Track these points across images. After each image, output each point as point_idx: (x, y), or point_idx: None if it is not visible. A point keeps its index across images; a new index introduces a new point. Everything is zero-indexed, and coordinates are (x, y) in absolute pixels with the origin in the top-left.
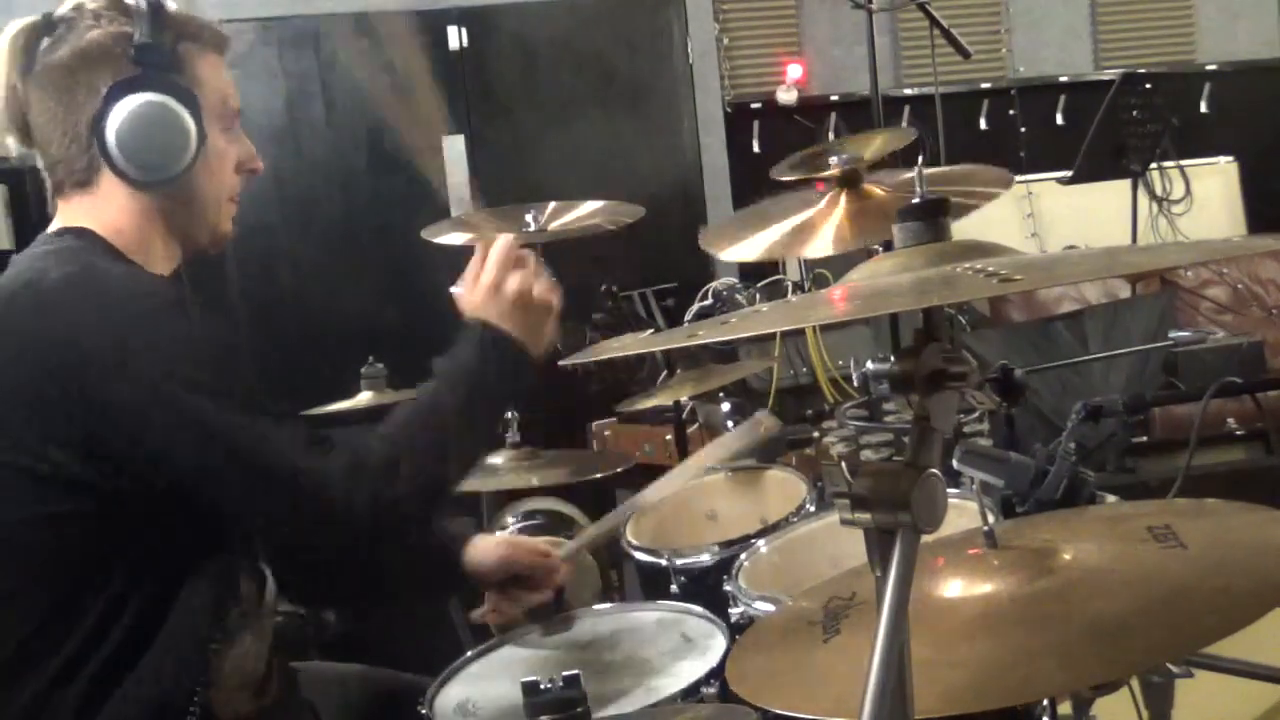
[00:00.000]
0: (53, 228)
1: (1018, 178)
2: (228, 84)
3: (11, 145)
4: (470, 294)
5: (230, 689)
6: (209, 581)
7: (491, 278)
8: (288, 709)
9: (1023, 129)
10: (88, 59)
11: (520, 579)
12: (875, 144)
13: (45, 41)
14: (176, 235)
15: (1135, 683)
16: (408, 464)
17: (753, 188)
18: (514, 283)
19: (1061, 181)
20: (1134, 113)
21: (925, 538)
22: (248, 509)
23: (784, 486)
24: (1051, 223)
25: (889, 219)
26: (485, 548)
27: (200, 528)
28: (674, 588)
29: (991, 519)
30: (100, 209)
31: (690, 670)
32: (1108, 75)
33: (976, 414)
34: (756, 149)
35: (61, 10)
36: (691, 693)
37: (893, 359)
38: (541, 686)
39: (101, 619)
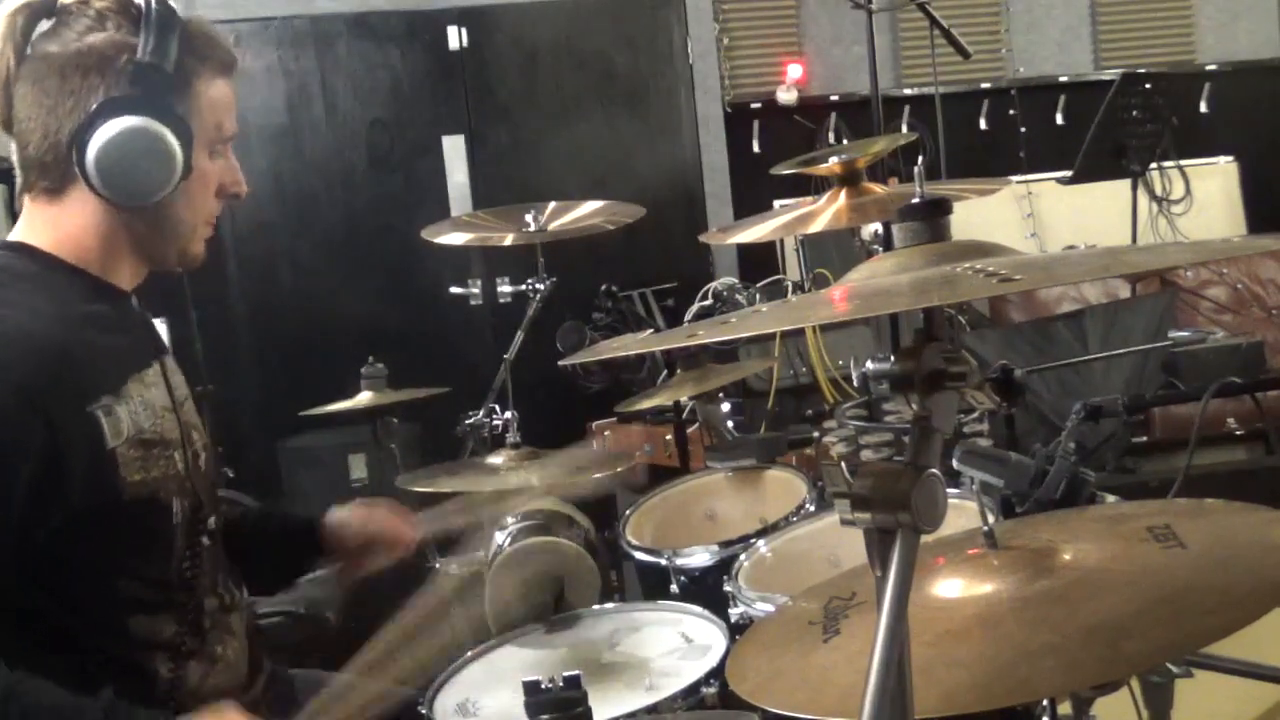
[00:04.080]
0: (12, 235)
1: (1017, 178)
2: (228, 108)
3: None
4: None
5: (209, 697)
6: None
7: None
8: (285, 714)
9: (1023, 129)
10: (83, 64)
11: (375, 544)
12: (875, 148)
13: (44, 25)
14: (143, 254)
15: (1135, 683)
16: None
17: (753, 188)
18: None
19: (1061, 181)
20: (1134, 113)
21: (925, 538)
22: None
23: (784, 486)
24: (1051, 223)
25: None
26: (340, 515)
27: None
28: (674, 588)
29: (991, 519)
30: (64, 219)
31: (690, 670)
32: (1108, 75)
33: (976, 414)
34: (756, 149)
35: None
36: (691, 693)
37: (893, 359)
38: (542, 686)
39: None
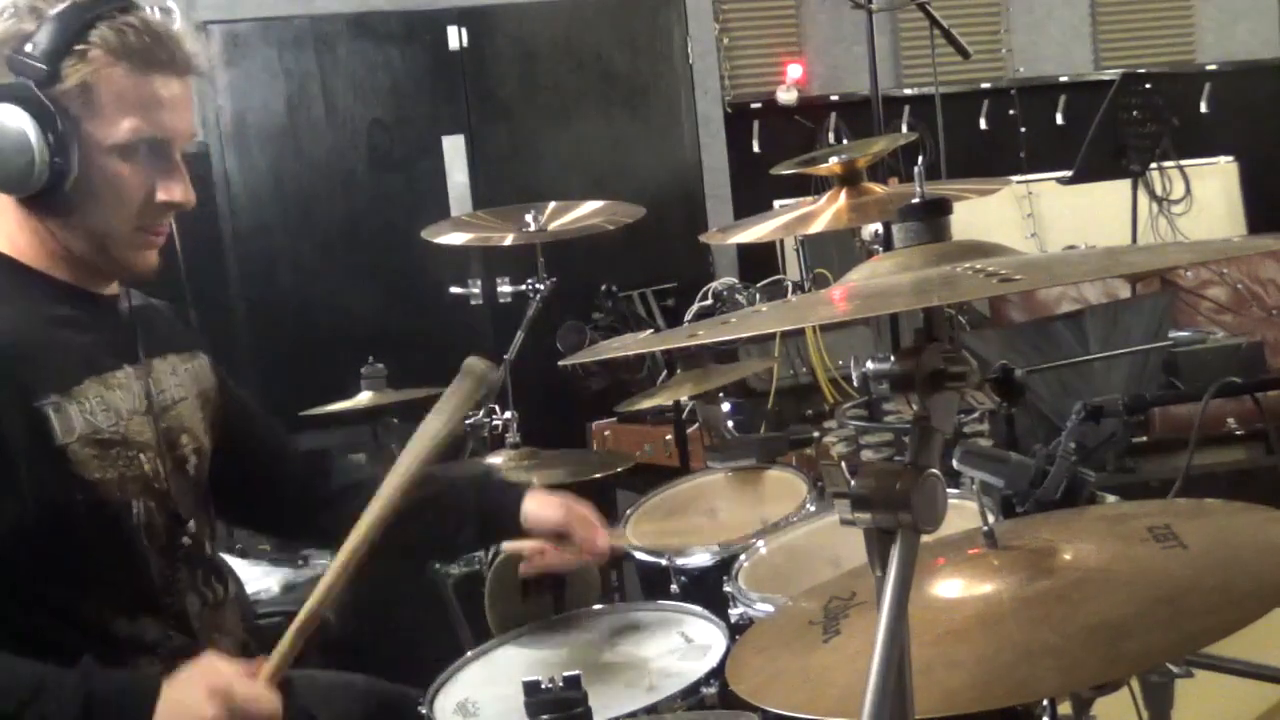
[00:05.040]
0: None
1: (1017, 178)
2: (149, 108)
3: None
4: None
5: None
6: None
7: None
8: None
9: (1023, 129)
10: None
11: (566, 538)
12: (875, 148)
13: None
14: (78, 259)
15: (1135, 683)
16: None
17: (753, 188)
18: None
19: (1061, 181)
20: (1134, 113)
21: (925, 538)
22: None
23: (784, 486)
24: (1051, 223)
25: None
26: (544, 501)
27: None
28: (674, 588)
29: (991, 519)
30: (5, 220)
31: (690, 670)
32: (1108, 75)
33: (976, 414)
34: (756, 149)
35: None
36: (691, 693)
37: (893, 359)
38: (542, 686)
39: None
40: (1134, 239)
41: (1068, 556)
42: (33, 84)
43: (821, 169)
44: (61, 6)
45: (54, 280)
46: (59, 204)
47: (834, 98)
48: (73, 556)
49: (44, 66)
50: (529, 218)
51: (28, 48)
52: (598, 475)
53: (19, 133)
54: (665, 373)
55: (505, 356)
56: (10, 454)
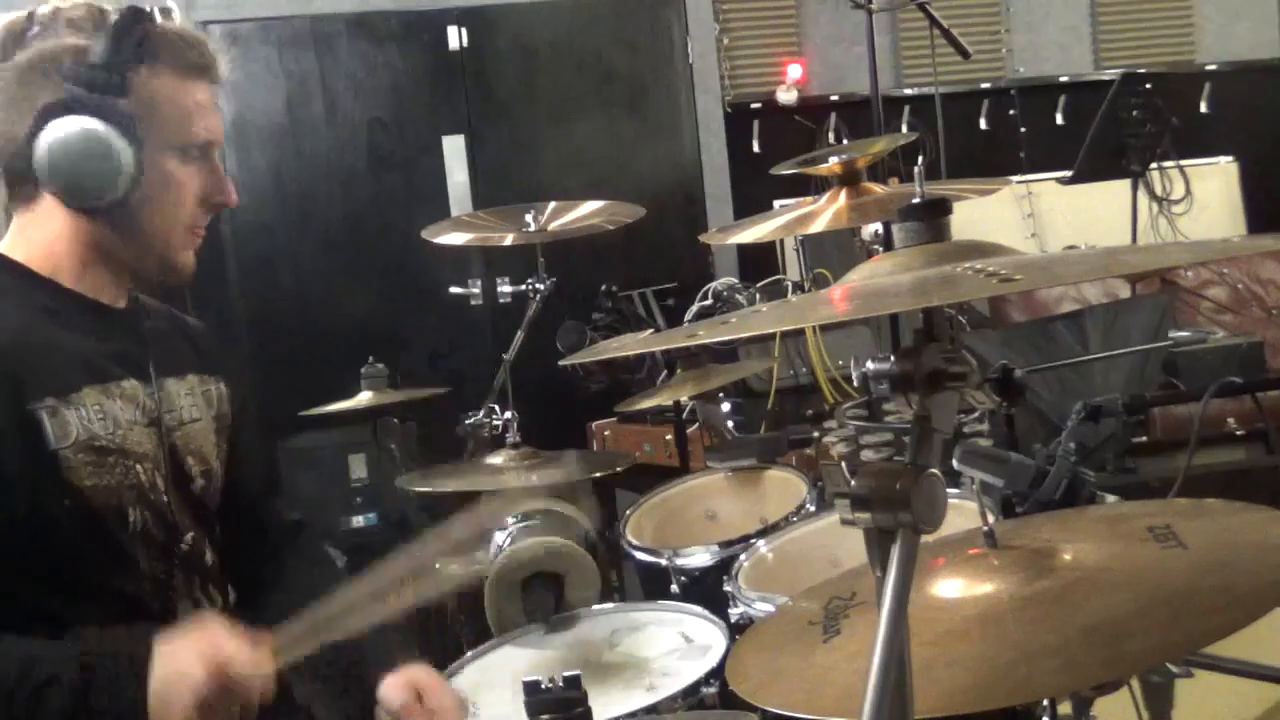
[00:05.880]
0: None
1: (1017, 178)
2: (197, 112)
3: None
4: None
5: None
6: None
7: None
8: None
9: (1023, 129)
10: (34, 70)
11: None
12: (875, 148)
13: (25, 40)
14: (118, 263)
15: (1135, 683)
16: None
17: (753, 188)
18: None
19: (1061, 181)
20: (1134, 113)
21: (925, 538)
22: None
23: (784, 486)
24: (1051, 223)
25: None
26: (394, 685)
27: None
28: (674, 588)
29: (991, 519)
30: (39, 229)
31: (690, 670)
32: (1108, 75)
33: (976, 414)
34: (756, 149)
35: (42, 10)
36: (691, 693)
37: (893, 359)
38: (542, 686)
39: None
40: (1134, 239)
41: (1068, 556)
42: (107, 96)
43: (821, 169)
44: (115, 18)
45: (62, 288)
46: (121, 211)
47: (834, 98)
48: (64, 559)
49: (116, 78)
50: (529, 218)
51: (91, 59)
52: (598, 475)
53: (104, 145)
54: (665, 373)
55: (505, 356)
56: (1, 455)
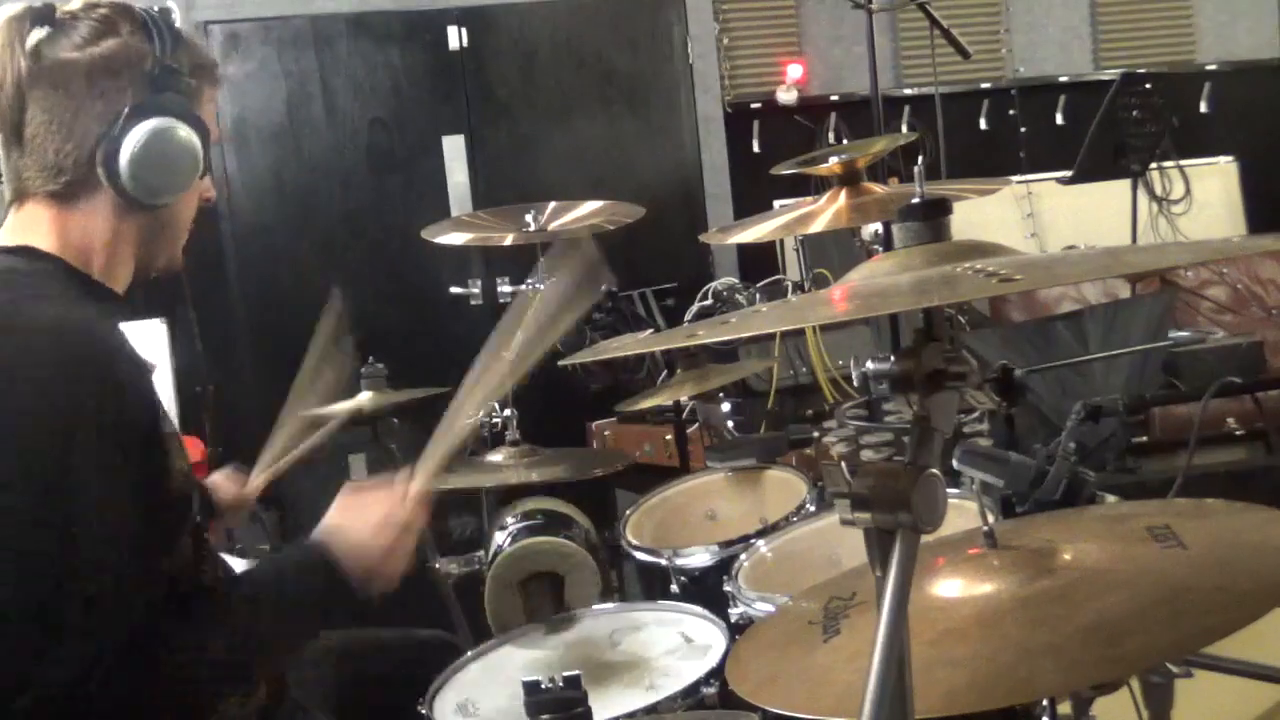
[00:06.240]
0: (6, 239)
1: (1017, 178)
2: (213, 117)
3: None
4: (371, 519)
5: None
6: None
7: (406, 519)
8: (278, 713)
9: (1023, 129)
10: (110, 68)
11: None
12: (875, 148)
13: (41, 33)
14: (141, 258)
15: (1135, 683)
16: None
17: (753, 188)
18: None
19: (1061, 181)
20: (1134, 113)
21: (925, 538)
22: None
23: (784, 486)
24: (1051, 223)
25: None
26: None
27: None
28: (674, 588)
29: (991, 519)
30: (71, 226)
31: (690, 670)
32: (1108, 75)
33: (976, 414)
34: (756, 149)
35: (67, 5)
36: (691, 693)
37: (893, 359)
38: (542, 686)
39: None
40: (1134, 239)
41: (1068, 556)
42: (185, 99)
43: (821, 169)
44: (155, 19)
45: (84, 277)
46: (165, 210)
47: (834, 98)
48: (158, 543)
49: (192, 83)
50: (529, 218)
51: (161, 62)
52: (598, 475)
53: (190, 150)
54: (665, 373)
55: (505, 356)
56: (136, 443)
